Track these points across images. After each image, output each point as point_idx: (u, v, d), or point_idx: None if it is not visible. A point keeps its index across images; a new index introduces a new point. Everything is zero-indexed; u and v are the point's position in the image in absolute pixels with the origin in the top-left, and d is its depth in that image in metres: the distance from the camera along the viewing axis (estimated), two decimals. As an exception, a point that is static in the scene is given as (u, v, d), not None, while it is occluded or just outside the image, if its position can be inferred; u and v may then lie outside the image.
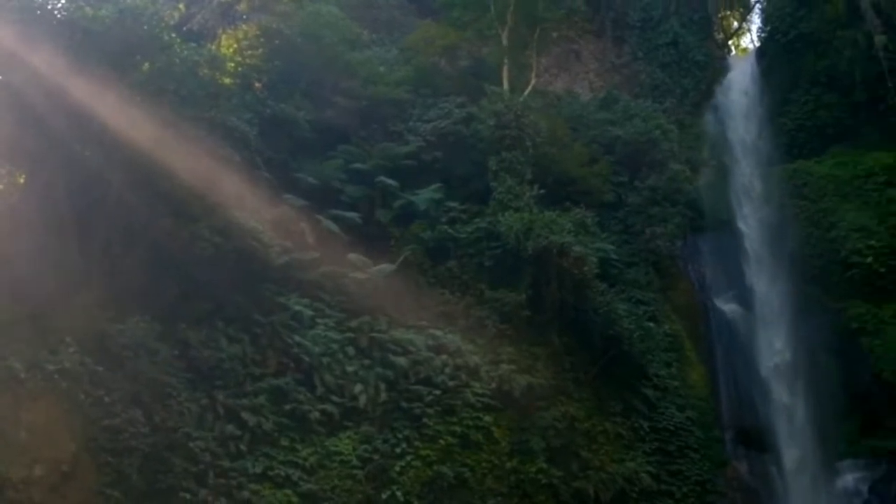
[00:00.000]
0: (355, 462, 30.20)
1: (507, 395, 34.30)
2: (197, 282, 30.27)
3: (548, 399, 35.73)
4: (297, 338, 31.80)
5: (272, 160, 38.31)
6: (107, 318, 27.50)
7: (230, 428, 28.58)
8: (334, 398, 31.35)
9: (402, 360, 32.98)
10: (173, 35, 31.82)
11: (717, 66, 58.68)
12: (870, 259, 42.14)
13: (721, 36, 64.24)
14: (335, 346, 32.56)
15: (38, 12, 28.88)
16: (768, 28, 56.37)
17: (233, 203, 32.07)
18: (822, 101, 51.13)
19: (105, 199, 28.77)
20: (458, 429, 32.52)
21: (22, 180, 29.72)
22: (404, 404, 32.27)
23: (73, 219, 28.18)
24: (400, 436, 31.49)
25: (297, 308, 32.79)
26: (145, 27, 29.94)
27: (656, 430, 38.53)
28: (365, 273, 35.47)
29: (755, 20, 64.38)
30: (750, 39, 68.05)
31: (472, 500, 31.81)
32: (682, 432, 38.94)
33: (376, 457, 30.60)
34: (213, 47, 40.00)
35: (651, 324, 40.81)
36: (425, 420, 32.14)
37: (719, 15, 63.91)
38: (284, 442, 29.57)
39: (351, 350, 32.85)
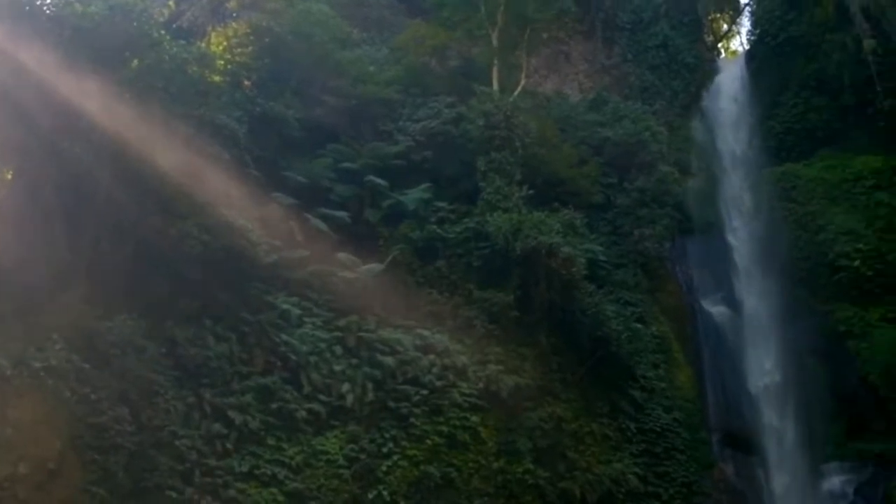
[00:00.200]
0: (342, 461, 30.17)
1: (494, 395, 34.29)
2: (185, 279, 30.20)
3: (535, 399, 35.74)
4: (284, 336, 31.75)
5: (261, 158, 38.24)
6: (94, 316, 27.40)
7: (217, 426, 28.52)
8: (321, 397, 31.31)
9: (389, 360, 32.95)
10: (163, 32, 31.70)
11: (706, 68, 58.79)
12: (857, 262, 42.30)
13: (711, 38, 64.46)
14: (323, 345, 32.51)
15: (27, 8, 28.79)
16: (758, 31, 56.56)
17: (221, 201, 31.98)
18: (811, 105, 51.33)
19: (93, 196, 28.68)
20: (445, 429, 32.51)
21: (9, 176, 29.56)
22: (391, 404, 32.25)
23: (60, 215, 28.10)
24: (387, 435, 31.47)
25: (285, 307, 32.74)
26: (135, 24, 29.85)
27: (643, 432, 38.59)
28: (353, 272, 35.44)
29: (745, 23, 64.56)
30: (739, 42, 68.38)
31: (458, 500, 31.80)
32: (669, 434, 39.02)
33: (363, 456, 30.58)
34: (203, 45, 39.85)
35: (639, 325, 40.87)
36: (412, 420, 32.12)
37: (709, 17, 64.11)
38: (271, 441, 29.51)
39: (338, 349, 32.80)
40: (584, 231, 41.33)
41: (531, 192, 40.79)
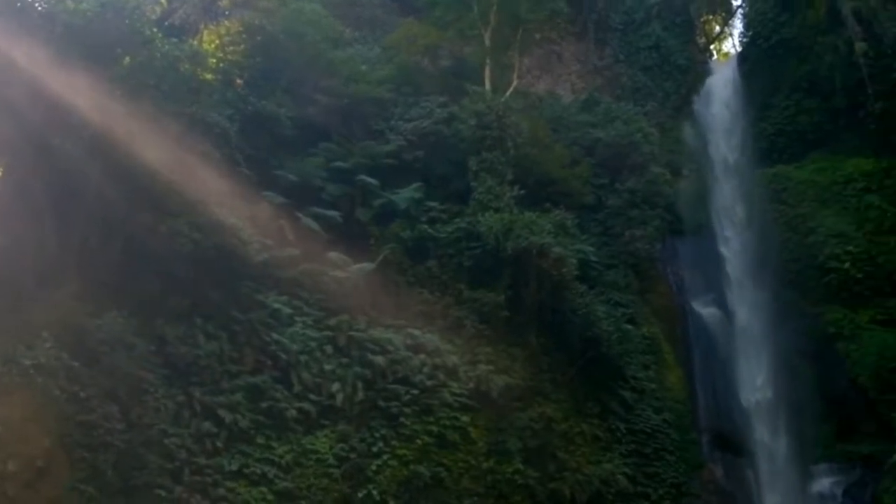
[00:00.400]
0: (332, 461, 30.18)
1: (484, 395, 34.32)
2: (175, 278, 30.16)
3: (525, 400, 35.78)
4: (275, 335, 31.72)
5: (252, 157, 38.16)
6: (84, 313, 27.35)
7: (206, 425, 28.50)
8: (311, 396, 31.30)
9: (379, 359, 32.93)
10: (155, 30, 31.68)
11: (698, 69, 58.88)
12: (847, 264, 42.44)
13: (703, 40, 64.48)
14: (313, 345, 32.49)
15: (19, 5, 28.79)
16: (750, 33, 56.61)
17: (212, 199, 31.93)
18: (803, 107, 51.44)
19: (83, 193, 28.64)
20: (434, 428, 32.53)
21: (-1, 173, 29.56)
22: (381, 403, 32.25)
23: (50, 212, 28.06)
24: (377, 435, 31.48)
25: (276, 306, 32.70)
26: (126, 21, 29.82)
27: (633, 432, 38.64)
28: (344, 271, 35.40)
29: (737, 25, 64.64)
30: (732, 44, 68.47)
31: (448, 499, 31.84)
32: (659, 434, 39.07)
33: (353, 455, 30.58)
34: (195, 43, 39.70)
35: (629, 326, 40.85)
36: (402, 419, 32.13)
37: (701, 19, 64.17)
38: (261, 440, 29.50)
39: (329, 348, 32.79)
40: (575, 231, 41.36)
41: (522, 192, 40.80)
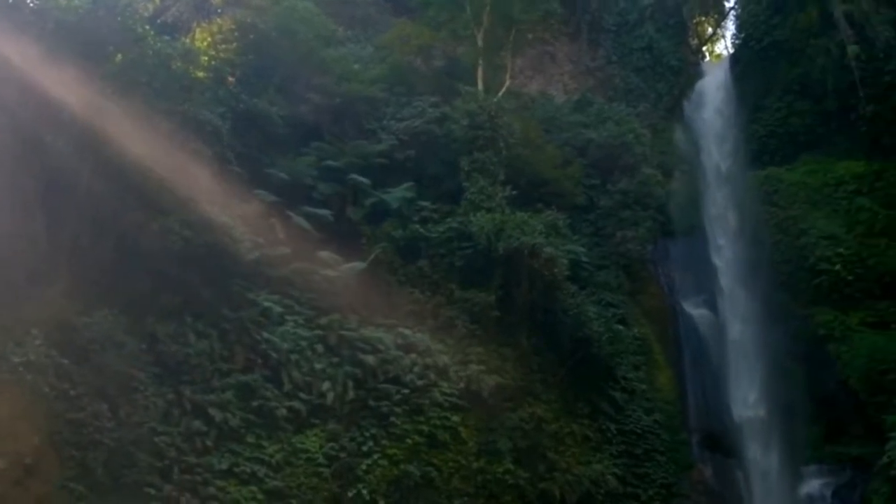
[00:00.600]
0: (322, 460, 30.15)
1: (475, 395, 34.33)
2: (166, 276, 30.10)
3: (516, 400, 35.82)
4: (265, 334, 31.67)
5: (244, 155, 38.09)
6: (74, 311, 27.29)
7: (196, 423, 28.44)
8: (302, 395, 31.25)
9: (370, 359, 32.90)
10: (147, 27, 31.66)
11: (691, 71, 58.97)
12: (838, 266, 42.52)
13: (696, 42, 64.55)
14: (304, 343, 32.44)
15: (10, 1, 28.70)
16: (742, 35, 56.66)
17: (204, 197, 31.87)
18: (795, 109, 51.47)
19: (74, 190, 28.58)
20: (425, 428, 32.53)
21: (-11, 170, 29.43)
22: (372, 403, 32.23)
23: (41, 209, 27.99)
24: (367, 434, 31.45)
25: (267, 304, 32.64)
26: (118, 18, 29.80)
27: (623, 433, 38.72)
28: (335, 270, 35.37)
29: (730, 26, 64.74)
30: (724, 46, 68.53)
31: (438, 499, 31.84)
32: (649, 435, 39.17)
33: (343, 455, 30.55)
34: (187, 40, 39.63)
35: (620, 326, 40.87)
36: (393, 419, 32.11)
37: (694, 21, 64.23)
38: (251, 438, 29.45)
39: (320, 347, 32.73)
40: (567, 232, 41.36)
41: (514, 192, 40.86)
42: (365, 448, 31.07)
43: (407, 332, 34.84)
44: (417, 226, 39.14)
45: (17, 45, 27.43)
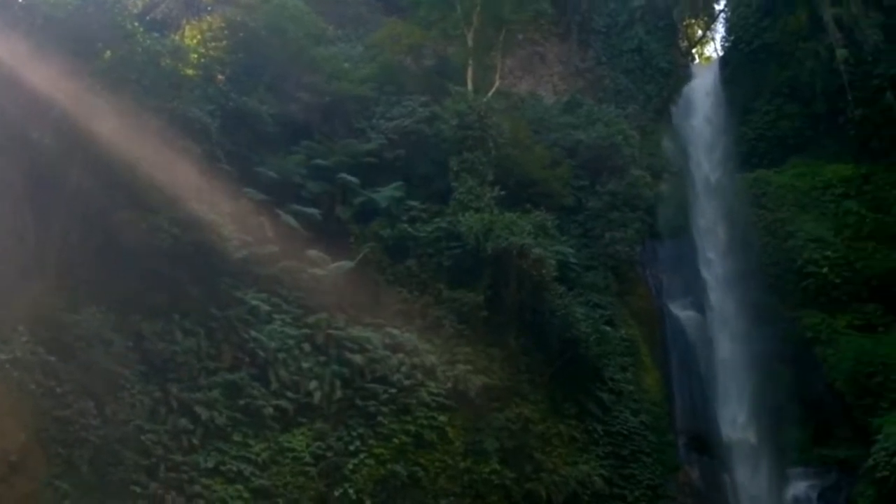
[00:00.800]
0: (308, 459, 30.12)
1: (462, 395, 34.34)
2: (153, 273, 30.04)
3: (503, 400, 35.84)
4: (253, 333, 31.63)
5: (233, 153, 38.02)
6: (61, 308, 27.22)
7: (183, 422, 28.39)
8: (289, 394, 31.22)
9: (358, 358, 32.88)
10: (136, 24, 31.50)
11: (680, 73, 59.07)
12: (825, 269, 42.72)
13: (685, 44, 64.67)
14: (291, 342, 32.40)
15: (-1, -3, 28.61)
16: (732, 37, 56.87)
17: (192, 195, 31.79)
18: (784, 112, 51.63)
19: (63, 188, 28.47)
20: (412, 428, 32.52)
21: (-23, 166, 29.33)
22: (359, 402, 32.21)
23: (29, 206, 27.88)
24: (354, 433, 31.43)
25: (254, 303, 32.60)
26: (108, 15, 29.62)
27: (610, 434, 38.76)
28: (323, 269, 35.33)
29: (719, 29, 64.91)
30: (714, 48, 68.70)
31: (424, 499, 31.86)
32: (636, 436, 39.20)
33: (329, 454, 30.53)
34: (177, 38, 39.57)
35: (608, 328, 40.90)
36: (380, 418, 32.10)
37: (684, 23, 64.34)
38: (237, 437, 29.41)
39: (307, 346, 32.71)
40: (555, 233, 41.37)
41: (503, 192, 40.85)
42: (352, 447, 31.05)
43: (395, 331, 34.83)
44: (406, 225, 39.12)
45: (6, 41, 27.33)
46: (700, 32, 67.30)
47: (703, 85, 56.71)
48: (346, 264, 36.08)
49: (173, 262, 30.33)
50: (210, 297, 31.48)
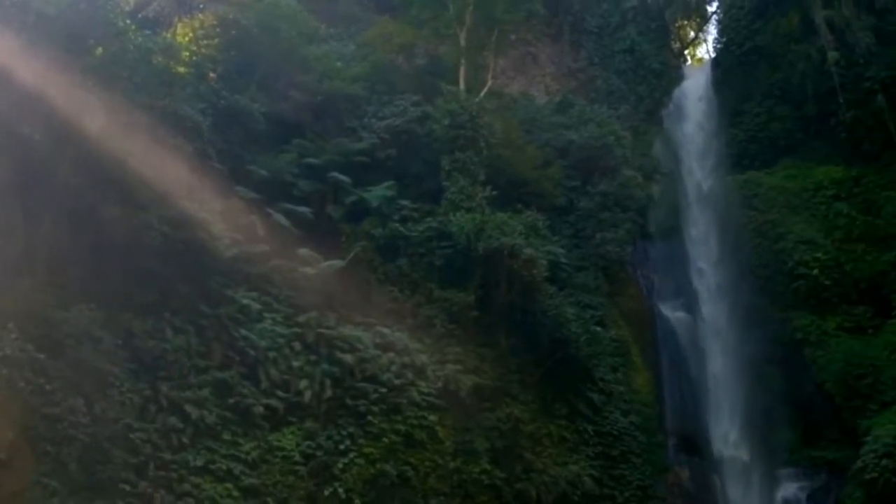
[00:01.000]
0: (298, 458, 30.05)
1: (452, 394, 34.32)
2: (144, 271, 29.94)
3: (493, 400, 35.84)
4: (243, 331, 31.55)
5: (224, 151, 37.89)
6: (50, 305, 27.11)
7: (172, 420, 28.27)
8: (279, 393, 31.14)
9: (348, 357, 32.82)
10: (128, 21, 31.50)
11: (672, 74, 59.14)
12: (816, 271, 42.78)
13: (677, 45, 64.82)
14: (282, 341, 32.32)
15: (-9, -7, 28.50)
16: (724, 39, 56.91)
17: (183, 193, 31.71)
18: (775, 114, 51.70)
19: (53, 184, 28.37)
20: (402, 427, 32.48)
21: (-34, 162, 29.23)
22: (349, 401, 32.15)
23: (19, 202, 27.80)
24: (344, 433, 31.36)
25: (245, 301, 32.51)
26: (100, 12, 29.56)
27: (600, 434, 38.77)
28: (314, 268, 35.27)
29: (711, 31, 65.02)
30: (706, 49, 68.80)
31: (414, 498, 31.82)
32: (626, 437, 39.23)
33: (319, 453, 30.46)
34: (169, 35, 39.51)
35: (598, 328, 40.94)
36: (370, 418, 32.05)
37: (676, 24, 64.53)
38: (227, 436, 29.32)
39: (297, 345, 32.63)
40: (547, 233, 41.37)
41: (495, 192, 40.85)
42: (342, 447, 30.98)
43: (385, 330, 34.79)
44: (397, 225, 39.09)
45: (-2, 38, 27.32)
46: (692, 34, 67.62)
47: (695, 88, 56.53)
48: (337, 263, 36.01)
49: (163, 260, 30.25)
50: (200, 295, 31.39)
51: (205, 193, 33.28)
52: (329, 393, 31.83)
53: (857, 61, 47.88)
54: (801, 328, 41.88)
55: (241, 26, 42.62)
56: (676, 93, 57.04)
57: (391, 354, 34.00)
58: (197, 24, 42.75)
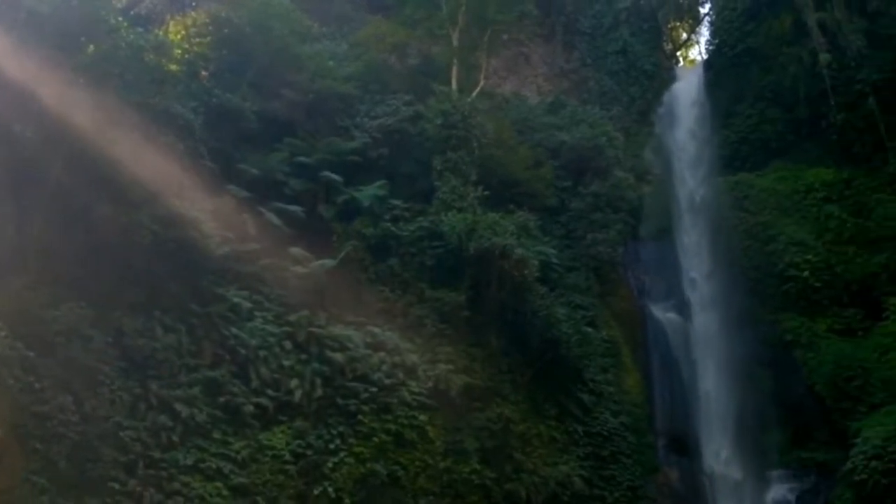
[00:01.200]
0: (288, 457, 30.07)
1: (443, 394, 34.33)
2: (134, 269, 29.93)
3: (484, 400, 35.84)
4: (234, 330, 31.53)
5: (216, 150, 37.84)
6: (40, 303, 27.08)
7: (162, 419, 28.27)
8: (269, 392, 31.15)
9: (339, 357, 32.84)
10: (120, 19, 31.44)
11: (664, 76, 59.14)
12: (806, 273, 42.83)
13: (670, 46, 64.85)
14: (272, 340, 32.32)
15: (-18, -10, 28.46)
16: (716, 41, 56.94)
17: (174, 191, 31.70)
18: (766, 116, 51.70)
19: (44, 182, 28.35)
20: (392, 427, 32.51)
21: (-42, 160, 29.16)
22: (340, 401, 32.17)
23: (10, 200, 27.80)
24: (334, 432, 31.38)
25: (236, 300, 32.49)
26: (92, 9, 29.50)
27: (590, 435, 38.78)
28: (305, 267, 35.26)
29: (704, 32, 65.08)
30: (698, 51, 68.87)
31: (404, 498, 31.85)
32: (616, 437, 39.26)
33: (309, 452, 30.47)
34: (161, 33, 39.48)
35: (589, 329, 40.97)
36: (360, 417, 32.08)
37: (669, 26, 64.58)
38: (217, 434, 29.33)
39: (288, 344, 32.64)
40: (538, 233, 41.40)
41: (486, 192, 40.84)
42: (332, 446, 31.01)
43: (376, 330, 34.82)
44: (389, 224, 39.06)
45: (-11, 35, 27.26)
46: (685, 35, 67.60)
47: (687, 93, 55.94)
48: (329, 262, 36.01)
49: (154, 259, 30.25)
50: (191, 293, 31.37)
51: (196, 192, 33.25)
52: (319, 392, 31.86)
53: (848, 64, 47.92)
54: (792, 330, 41.91)
55: (233, 24, 42.57)
56: (668, 97, 56.61)
57: (382, 354, 34.03)
58: (189, 21, 42.77)
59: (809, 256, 43.32)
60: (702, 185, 50.47)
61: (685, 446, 41.20)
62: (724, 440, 41.69)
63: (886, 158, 45.75)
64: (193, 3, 45.55)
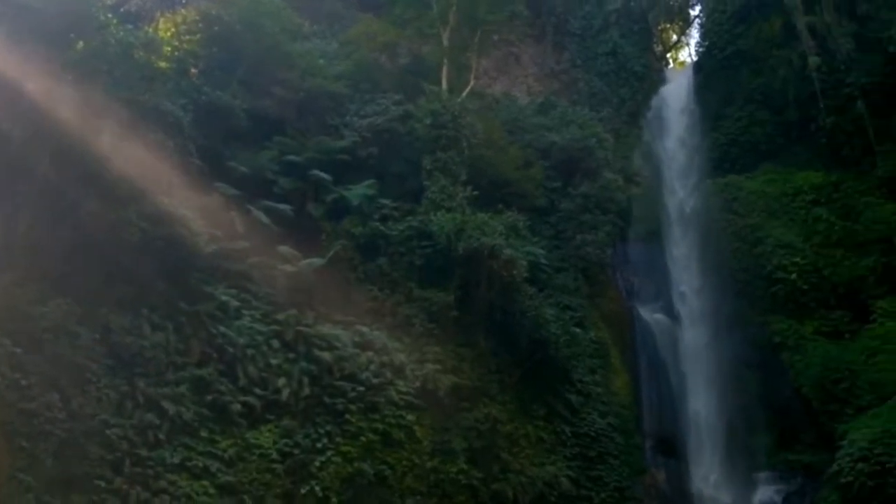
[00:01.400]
0: (275, 456, 30.02)
1: (431, 394, 34.32)
2: (122, 267, 29.83)
3: (472, 400, 35.85)
4: (221, 328, 31.46)
5: (205, 148, 37.70)
6: (28, 300, 26.98)
7: (149, 417, 28.17)
8: (257, 391, 31.09)
9: (327, 356, 32.80)
10: (109, 15, 31.44)
11: (654, 77, 59.22)
12: (794, 275, 42.92)
13: (660, 48, 64.94)
14: (260, 339, 32.25)
15: (-28, -15, 28.36)
16: (706, 43, 57.05)
17: (163, 189, 31.62)
18: (756, 118, 51.78)
19: (32, 179, 28.26)
20: (380, 426, 32.49)
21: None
22: (327, 400, 32.12)
23: (-3, 197, 27.70)
24: (321, 431, 31.34)
25: (224, 298, 32.43)
26: (81, 6, 29.45)
27: (578, 436, 38.83)
28: (294, 266, 35.21)
29: (694, 34, 65.20)
30: (688, 53, 68.98)
31: (391, 498, 31.83)
32: (603, 438, 39.29)
33: (296, 451, 30.42)
34: (151, 30, 39.39)
35: (578, 329, 41.02)
36: (347, 416, 32.04)
37: (659, 27, 64.66)
38: (204, 433, 29.25)
39: (276, 343, 32.57)
40: (527, 234, 41.39)
41: (476, 192, 40.84)
42: (319, 445, 30.96)
43: (364, 329, 34.79)
44: (378, 223, 39.03)
45: (-23, 31, 27.16)
46: (675, 37, 67.71)
47: (677, 97, 55.95)
48: (317, 261, 35.97)
49: (142, 256, 30.15)
50: (179, 291, 31.27)
51: (184, 189, 33.15)
52: (307, 391, 31.81)
53: (837, 67, 48.02)
54: (779, 332, 42.00)
55: (223, 22, 42.45)
56: (657, 101, 56.73)
57: (370, 353, 34.02)
58: (179, 19, 42.60)
59: (797, 259, 43.42)
60: (691, 196, 50.46)
61: (672, 448, 41.27)
62: (714, 462, 41.73)
63: (875, 162, 45.80)
64: (184, 1, 45.45)
